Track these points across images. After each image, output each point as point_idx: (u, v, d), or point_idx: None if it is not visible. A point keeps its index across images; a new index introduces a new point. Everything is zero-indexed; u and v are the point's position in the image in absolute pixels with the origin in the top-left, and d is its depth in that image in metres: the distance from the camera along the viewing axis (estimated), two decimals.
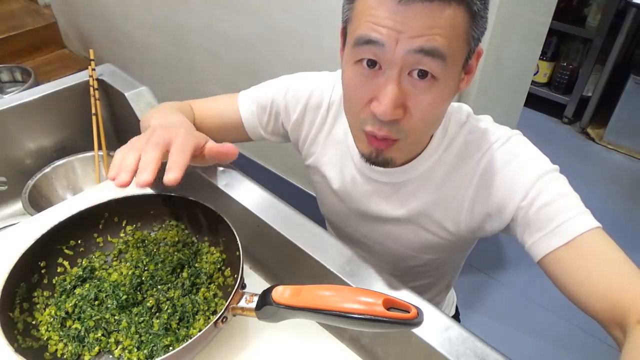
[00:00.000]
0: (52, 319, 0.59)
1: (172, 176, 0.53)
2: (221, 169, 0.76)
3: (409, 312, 0.47)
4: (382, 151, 0.61)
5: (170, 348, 0.56)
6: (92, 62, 0.99)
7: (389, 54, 0.52)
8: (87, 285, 0.63)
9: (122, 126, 1.05)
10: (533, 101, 2.42)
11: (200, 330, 0.54)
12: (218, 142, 0.86)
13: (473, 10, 0.52)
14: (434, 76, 0.54)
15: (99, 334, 0.58)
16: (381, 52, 0.53)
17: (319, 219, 0.74)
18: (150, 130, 0.59)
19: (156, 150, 0.55)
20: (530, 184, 0.60)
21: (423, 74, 0.53)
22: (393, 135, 0.58)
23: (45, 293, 0.62)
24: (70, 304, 0.60)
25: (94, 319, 0.59)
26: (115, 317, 0.60)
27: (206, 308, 0.61)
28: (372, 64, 0.55)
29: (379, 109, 0.55)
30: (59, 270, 0.65)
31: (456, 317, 1.07)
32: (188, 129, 0.62)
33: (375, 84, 0.55)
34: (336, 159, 0.76)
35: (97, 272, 0.65)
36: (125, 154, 0.54)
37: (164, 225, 0.71)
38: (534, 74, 2.54)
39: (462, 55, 0.55)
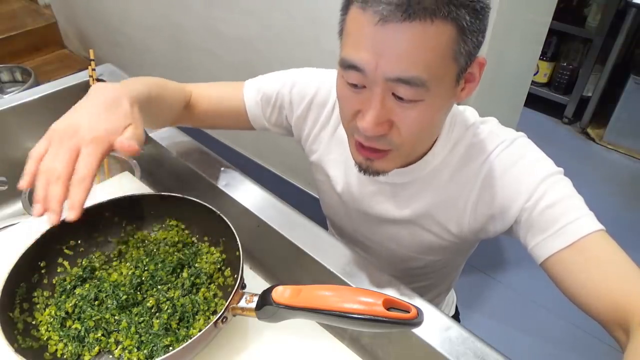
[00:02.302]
0: (52, 319, 0.59)
1: (72, 216, 0.50)
2: (221, 168, 0.76)
3: (409, 312, 0.47)
4: (372, 161, 0.61)
5: (170, 348, 0.56)
6: (92, 62, 0.99)
7: (370, 76, 0.52)
8: (87, 285, 0.63)
9: None
10: (533, 101, 2.42)
11: (200, 330, 0.54)
12: (213, 126, 0.84)
13: (461, 26, 0.50)
14: (417, 98, 0.53)
15: (99, 334, 0.58)
16: (363, 75, 0.53)
17: (319, 219, 0.74)
18: (58, 144, 0.53)
19: (59, 184, 0.51)
20: (534, 185, 0.60)
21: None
22: (381, 146, 0.58)
23: (45, 293, 0.62)
24: (70, 304, 0.60)
25: (94, 319, 0.59)
26: (115, 317, 0.60)
27: (206, 308, 0.61)
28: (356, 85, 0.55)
29: (362, 124, 0.55)
30: (59, 270, 0.65)
31: (456, 317, 1.07)
32: (101, 127, 0.54)
33: (361, 99, 0.56)
34: (341, 158, 0.76)
35: (97, 272, 0.65)
36: (40, 184, 0.52)
37: (164, 225, 0.71)
38: (534, 74, 2.54)
39: (450, 73, 0.53)
